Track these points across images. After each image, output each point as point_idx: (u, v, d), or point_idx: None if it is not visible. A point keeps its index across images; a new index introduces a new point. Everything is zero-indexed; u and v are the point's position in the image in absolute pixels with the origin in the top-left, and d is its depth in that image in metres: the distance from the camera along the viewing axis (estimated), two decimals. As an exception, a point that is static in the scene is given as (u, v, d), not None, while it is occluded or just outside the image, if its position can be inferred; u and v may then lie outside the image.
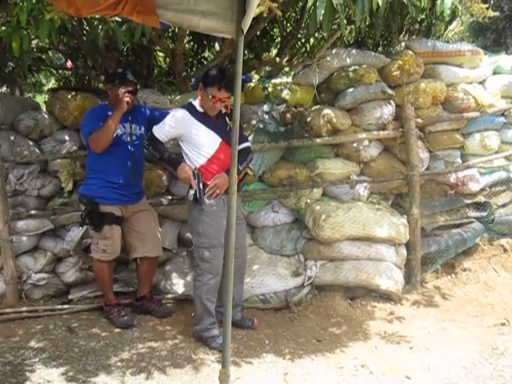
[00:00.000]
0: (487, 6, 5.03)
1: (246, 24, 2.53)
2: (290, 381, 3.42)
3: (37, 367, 3.53)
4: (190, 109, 3.95)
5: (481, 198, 5.66)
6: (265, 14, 3.82)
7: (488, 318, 4.44)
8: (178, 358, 3.72)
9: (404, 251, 4.98)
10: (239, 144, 3.54)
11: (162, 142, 4.02)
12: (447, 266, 5.35)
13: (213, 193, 3.85)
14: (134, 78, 4.29)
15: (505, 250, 5.58)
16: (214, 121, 3.97)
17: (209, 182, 3.86)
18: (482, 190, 5.73)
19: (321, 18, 3.94)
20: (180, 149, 4.04)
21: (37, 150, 4.84)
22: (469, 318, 4.50)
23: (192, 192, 3.87)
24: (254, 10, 2.49)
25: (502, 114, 5.78)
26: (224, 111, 4.06)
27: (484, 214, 5.57)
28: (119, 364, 3.60)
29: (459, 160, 5.62)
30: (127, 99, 4.09)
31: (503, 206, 5.80)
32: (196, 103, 3.99)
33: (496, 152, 5.76)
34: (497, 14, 5.47)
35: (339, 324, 4.40)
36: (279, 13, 3.90)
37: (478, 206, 5.64)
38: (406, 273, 5.03)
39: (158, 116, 4.39)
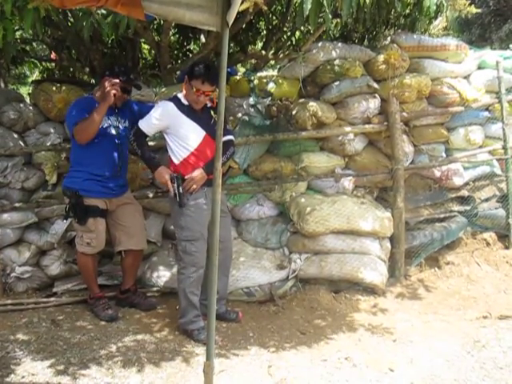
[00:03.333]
0: (470, 2, 5.07)
1: (231, 17, 2.52)
2: (274, 373, 3.43)
3: (21, 360, 3.52)
4: (176, 102, 3.96)
5: (464, 193, 5.70)
6: (250, 10, 3.82)
7: (470, 311, 4.49)
8: (164, 351, 3.72)
9: (388, 244, 5.01)
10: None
11: (146, 138, 4.05)
12: (431, 259, 5.40)
13: (189, 188, 3.85)
14: (133, 77, 4.29)
15: (487, 244, 5.64)
16: (199, 114, 3.98)
17: (186, 177, 3.88)
18: (466, 184, 5.76)
19: (307, 12, 3.95)
20: (165, 141, 4.06)
21: (21, 143, 4.81)
22: (451, 310, 4.55)
23: (172, 190, 3.88)
24: (239, 3, 2.49)
25: (487, 109, 5.83)
26: (209, 105, 4.07)
27: (467, 208, 5.62)
28: (104, 357, 3.59)
29: (443, 154, 5.66)
30: (114, 92, 4.07)
31: (486, 200, 5.85)
32: (181, 96, 4.00)
33: (480, 146, 5.81)
34: (479, 10, 5.52)
35: (323, 317, 4.42)
36: (265, 7, 3.90)
37: (462, 200, 5.68)
38: (390, 266, 5.06)
39: (144, 110, 4.38)
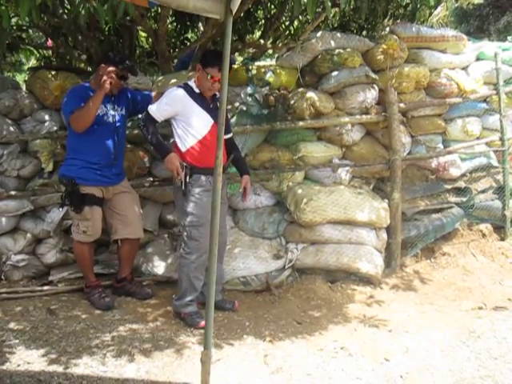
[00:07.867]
0: (472, -8, 5.06)
1: (235, 5, 2.50)
2: (270, 362, 3.43)
3: (17, 348, 3.50)
4: (187, 88, 3.99)
5: (461, 184, 5.71)
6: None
7: (466, 302, 4.51)
8: (159, 340, 3.71)
9: (384, 235, 5.02)
10: (227, 134, 3.80)
11: (155, 124, 4.01)
12: (427, 250, 5.41)
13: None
14: (129, 63, 4.26)
15: (483, 235, 5.65)
16: (209, 103, 4.03)
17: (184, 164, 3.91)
18: (463, 175, 5.78)
19: (305, 0, 3.91)
20: (171, 129, 4.05)
21: (16, 130, 4.78)
22: (447, 301, 4.56)
23: (179, 178, 3.87)
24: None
25: (484, 100, 5.83)
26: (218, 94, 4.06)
27: (464, 199, 5.63)
28: (100, 346, 3.58)
29: (441, 145, 5.66)
30: (110, 80, 4.03)
31: (483, 191, 5.86)
32: (192, 84, 4.03)
33: (477, 138, 5.81)
34: (481, 1, 5.50)
35: (319, 307, 4.43)
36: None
37: (459, 192, 5.69)
38: (386, 257, 5.07)
39: (140, 98, 4.39)
